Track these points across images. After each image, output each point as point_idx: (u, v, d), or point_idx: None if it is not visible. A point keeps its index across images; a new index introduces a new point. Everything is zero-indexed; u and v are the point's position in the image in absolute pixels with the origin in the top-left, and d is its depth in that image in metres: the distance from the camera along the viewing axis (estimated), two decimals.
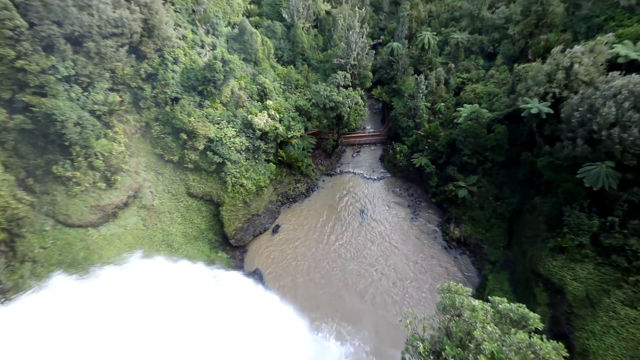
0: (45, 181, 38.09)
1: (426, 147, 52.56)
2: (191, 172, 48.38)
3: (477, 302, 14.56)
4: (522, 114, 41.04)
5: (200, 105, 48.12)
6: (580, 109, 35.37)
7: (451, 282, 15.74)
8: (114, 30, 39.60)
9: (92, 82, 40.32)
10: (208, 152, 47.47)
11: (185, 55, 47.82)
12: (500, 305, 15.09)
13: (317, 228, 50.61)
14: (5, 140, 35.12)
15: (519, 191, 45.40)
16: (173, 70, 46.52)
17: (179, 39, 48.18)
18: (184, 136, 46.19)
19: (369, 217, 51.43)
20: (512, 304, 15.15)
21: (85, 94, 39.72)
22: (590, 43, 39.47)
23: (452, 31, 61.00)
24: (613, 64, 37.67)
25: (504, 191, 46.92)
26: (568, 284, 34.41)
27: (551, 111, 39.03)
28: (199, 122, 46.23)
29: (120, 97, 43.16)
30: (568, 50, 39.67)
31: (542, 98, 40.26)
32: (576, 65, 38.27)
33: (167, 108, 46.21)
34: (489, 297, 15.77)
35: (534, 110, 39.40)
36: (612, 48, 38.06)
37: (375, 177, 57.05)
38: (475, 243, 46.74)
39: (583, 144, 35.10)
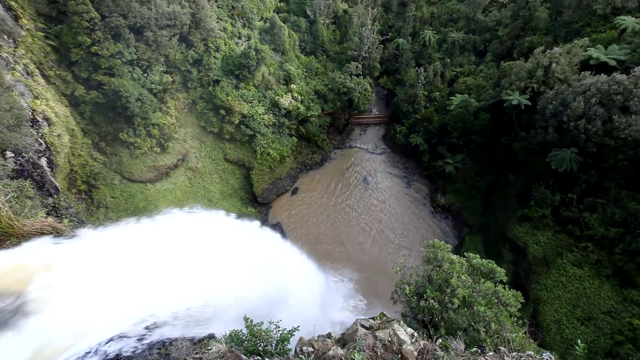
0: (114, 145, 39.80)
1: (422, 129, 52.50)
2: (228, 141, 49.53)
3: (455, 257, 15.03)
4: (504, 105, 40.65)
5: (237, 87, 48.58)
6: (553, 102, 35.04)
7: (435, 240, 16.06)
8: (167, 22, 39.91)
9: (150, 65, 41.08)
10: (242, 126, 48.35)
11: (225, 44, 47.88)
12: (473, 260, 15.57)
13: (328, 191, 51.92)
14: (84, 111, 36.59)
15: (497, 169, 45.56)
16: (215, 57, 46.79)
17: (221, 30, 48.05)
18: (223, 112, 47.01)
19: (371, 184, 52.42)
20: (483, 259, 15.63)
21: (145, 75, 40.61)
22: (567, 45, 38.40)
23: (450, 31, 59.14)
24: (585, 65, 36.76)
25: (484, 168, 47.10)
26: (530, 247, 35.40)
27: (529, 103, 38.66)
28: (235, 100, 46.88)
29: (172, 78, 43.92)
30: (548, 51, 38.76)
31: (523, 92, 39.76)
32: (554, 65, 37.52)
33: (210, 88, 46.86)
34: (465, 253, 16.23)
35: (514, 102, 39.04)
36: (586, 51, 37.02)
37: (378, 152, 57.49)
38: (457, 210, 47.57)
39: (553, 132, 35.01)
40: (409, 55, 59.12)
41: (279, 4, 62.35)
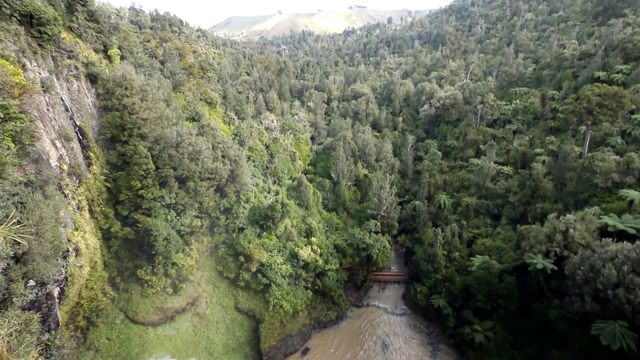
0: (129, 281, 39.51)
1: (443, 289, 49.65)
2: (242, 289, 48.10)
3: None
4: (528, 268, 39.19)
5: (259, 236, 50.73)
6: (582, 267, 33.50)
7: None
8: (209, 176, 45.89)
9: (185, 209, 44.97)
10: (258, 274, 47.83)
11: (255, 197, 52.99)
12: None
13: (343, 355, 45.62)
14: (112, 245, 38.29)
15: (536, 341, 39.91)
16: (244, 207, 51.04)
17: (253, 185, 54.21)
18: (242, 259, 47.61)
19: (390, 351, 46.11)
20: None
21: (178, 217, 43.93)
22: (580, 213, 39.63)
23: (463, 195, 63.65)
24: (603, 232, 36.86)
25: (520, 340, 41.37)
26: None
27: (555, 267, 37.09)
28: (256, 248, 48.09)
29: (201, 222, 47.07)
30: (562, 217, 39.81)
31: (546, 255, 38.84)
32: (571, 230, 37.82)
33: (234, 235, 49.13)
34: None
35: (539, 266, 37.62)
36: (600, 218, 37.86)
37: (398, 313, 52.94)
38: None
39: (591, 300, 32.06)
40: (425, 216, 62.05)
41: (307, 167, 71.66)
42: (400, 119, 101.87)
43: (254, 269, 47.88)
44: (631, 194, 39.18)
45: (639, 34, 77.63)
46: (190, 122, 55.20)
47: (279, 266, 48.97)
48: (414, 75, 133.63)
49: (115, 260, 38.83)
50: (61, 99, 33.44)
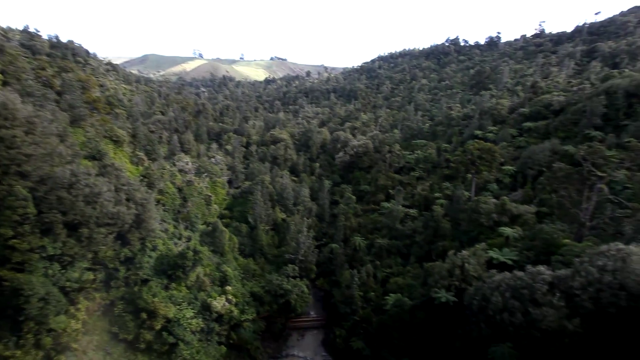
0: None
1: (361, 331, 50.11)
2: (142, 352, 41.41)
3: None
4: (435, 302, 42.25)
5: (167, 287, 45.48)
6: (476, 297, 37.41)
7: None
8: (108, 221, 40.50)
9: (73, 261, 38.23)
10: (164, 332, 42.09)
11: (163, 244, 48.17)
12: None
13: None
14: None
15: None
16: (150, 256, 45.76)
17: (162, 231, 49.44)
18: (144, 315, 41.59)
19: None
20: None
21: (62, 271, 37.00)
22: (472, 249, 45.14)
23: (376, 237, 67.49)
24: (490, 264, 42.33)
25: None
26: None
27: (456, 299, 40.76)
28: (161, 302, 42.71)
29: (94, 276, 40.41)
30: (458, 253, 44.78)
31: (448, 289, 42.61)
32: (466, 264, 42.53)
33: (136, 288, 43.14)
34: None
35: (443, 299, 41.00)
36: (487, 253, 43.59)
37: None
38: None
39: (485, 327, 35.67)
40: (342, 258, 63.60)
41: (223, 211, 68.59)
42: (318, 164, 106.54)
43: (158, 327, 41.97)
44: (507, 231, 46.52)
45: (500, 104, 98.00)
46: (90, 160, 49.20)
47: (189, 321, 43.96)
48: (330, 125, 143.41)
49: None
50: None
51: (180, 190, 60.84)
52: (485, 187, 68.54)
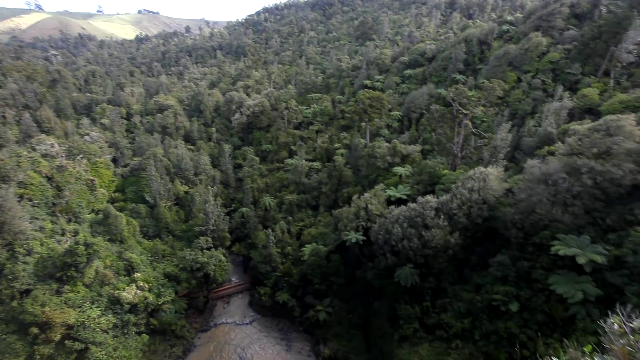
0: None
1: (285, 284, 52.54)
2: None
3: None
4: (346, 244, 46.28)
5: (58, 292, 39.40)
6: (380, 232, 42.22)
7: None
8: None
9: None
10: (67, 341, 37.24)
11: (41, 245, 40.66)
12: None
13: None
14: None
15: (362, 301, 47.65)
16: (25, 262, 38.36)
17: (35, 230, 41.40)
18: (35, 330, 35.80)
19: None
20: None
21: None
22: (372, 191, 49.83)
23: (285, 194, 68.85)
24: (389, 201, 47.69)
25: (352, 305, 48.50)
26: None
27: (364, 238, 45.25)
28: (55, 310, 37.06)
29: None
30: (361, 196, 49.00)
31: (356, 230, 46.89)
32: (369, 205, 47.02)
33: (14, 303, 36.24)
34: None
35: (353, 240, 45.10)
36: (385, 192, 48.77)
37: (248, 321, 52.41)
38: (344, 356, 44.89)
39: (391, 255, 41.01)
40: (254, 220, 63.63)
41: (113, 195, 60.50)
42: (214, 129, 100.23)
43: (57, 337, 36.73)
44: (399, 170, 52.40)
45: (384, 54, 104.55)
46: None
47: (96, 321, 39.56)
48: (221, 85, 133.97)
49: None
50: None
51: (50, 179, 50.61)
52: (378, 132, 74.71)
